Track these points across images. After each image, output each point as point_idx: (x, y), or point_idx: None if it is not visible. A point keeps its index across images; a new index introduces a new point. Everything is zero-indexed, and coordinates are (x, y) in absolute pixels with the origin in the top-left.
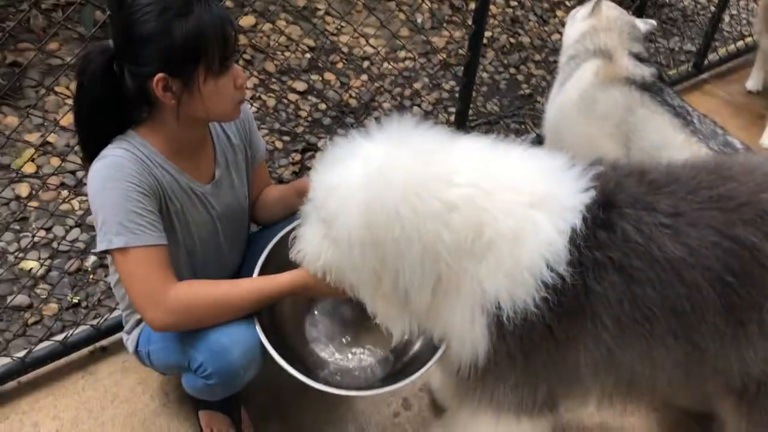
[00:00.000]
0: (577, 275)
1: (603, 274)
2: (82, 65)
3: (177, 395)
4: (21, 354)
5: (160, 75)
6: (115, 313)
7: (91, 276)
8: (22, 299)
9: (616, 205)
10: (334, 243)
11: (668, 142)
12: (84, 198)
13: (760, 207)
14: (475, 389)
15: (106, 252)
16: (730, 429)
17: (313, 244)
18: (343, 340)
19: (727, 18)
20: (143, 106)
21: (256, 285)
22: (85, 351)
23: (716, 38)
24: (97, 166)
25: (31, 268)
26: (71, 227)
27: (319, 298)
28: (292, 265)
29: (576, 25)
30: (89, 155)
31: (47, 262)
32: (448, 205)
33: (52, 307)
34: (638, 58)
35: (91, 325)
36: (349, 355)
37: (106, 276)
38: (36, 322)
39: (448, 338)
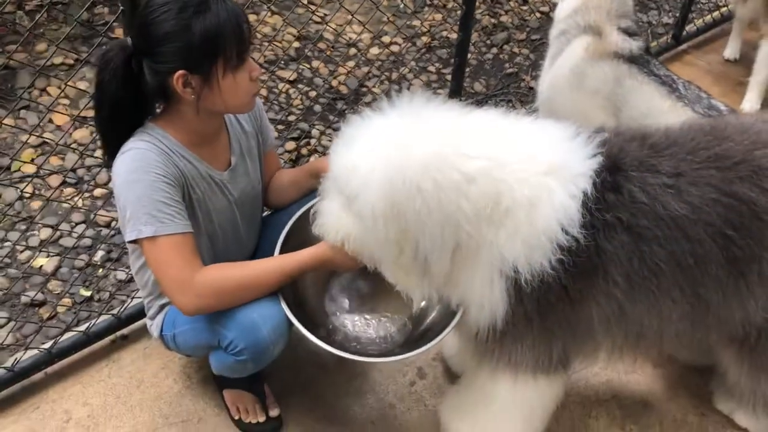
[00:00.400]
0: (589, 236)
1: (613, 234)
2: (101, 63)
3: (200, 377)
4: (47, 345)
5: (180, 72)
6: (135, 302)
7: (101, 270)
8: (36, 296)
9: (621, 169)
10: (357, 217)
11: (655, 109)
12: (87, 194)
13: (755, 164)
14: (494, 351)
15: (134, 241)
16: (732, 377)
17: (334, 218)
18: (362, 311)
19: None
20: (161, 100)
21: (279, 263)
22: (107, 340)
23: (693, 10)
24: (123, 158)
25: (41, 266)
26: (77, 223)
27: (337, 275)
28: (310, 242)
29: (568, 1)
30: (111, 151)
31: (57, 259)
32: (466, 177)
33: (66, 301)
34: (627, 32)
35: (112, 314)
36: (368, 326)
37: (115, 270)
38: (51, 317)
39: (467, 303)
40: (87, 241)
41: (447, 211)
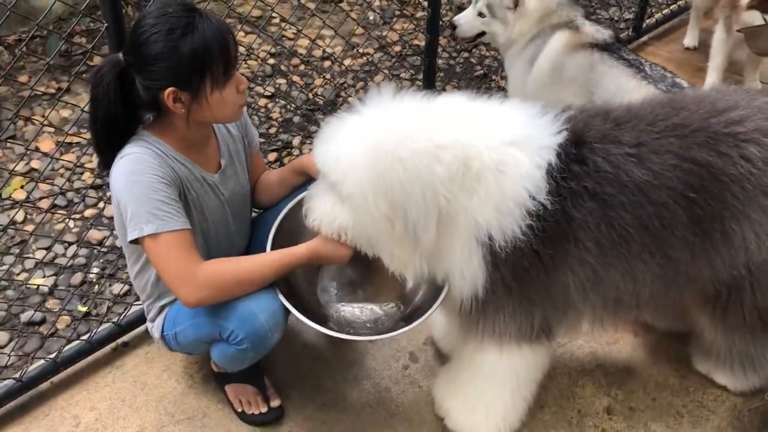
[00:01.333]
0: (556, 203)
1: (580, 201)
2: (95, 78)
3: (201, 376)
4: (52, 355)
5: (170, 89)
6: (134, 309)
7: (96, 286)
8: (35, 315)
9: (586, 142)
10: (348, 201)
11: (623, 88)
12: (77, 216)
13: (711, 131)
14: (478, 322)
15: (135, 242)
16: (708, 337)
17: (328, 212)
18: (352, 299)
19: None
20: (153, 111)
21: (275, 257)
22: (108, 348)
23: (652, 4)
24: (121, 163)
25: (38, 286)
26: (70, 243)
27: (326, 266)
28: (300, 235)
29: (530, 13)
30: (106, 160)
31: (52, 279)
32: (437, 144)
33: (65, 319)
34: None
35: (113, 322)
36: (360, 311)
37: (110, 286)
38: (51, 335)
39: (450, 275)
40: (81, 260)
41: (425, 178)
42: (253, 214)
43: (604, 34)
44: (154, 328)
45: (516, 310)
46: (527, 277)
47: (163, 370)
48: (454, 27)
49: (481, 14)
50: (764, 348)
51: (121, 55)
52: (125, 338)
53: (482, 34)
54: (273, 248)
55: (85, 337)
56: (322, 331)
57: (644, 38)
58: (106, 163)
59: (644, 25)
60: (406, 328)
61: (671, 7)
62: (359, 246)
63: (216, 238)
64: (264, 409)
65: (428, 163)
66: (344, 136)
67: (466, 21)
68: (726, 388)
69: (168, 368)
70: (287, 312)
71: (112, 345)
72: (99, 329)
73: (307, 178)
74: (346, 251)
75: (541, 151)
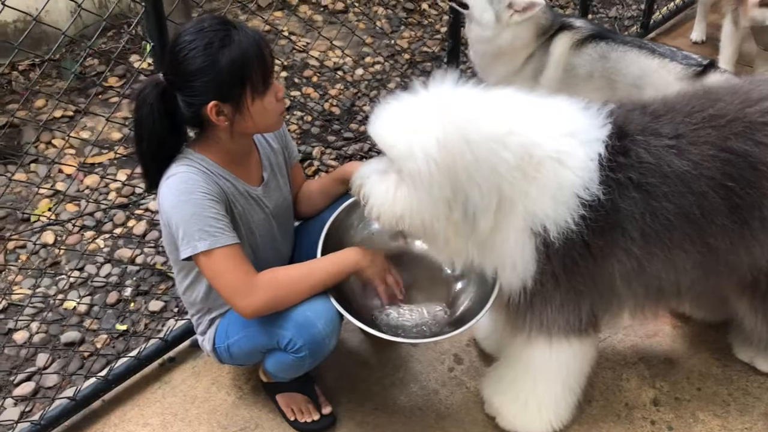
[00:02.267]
0: (606, 194)
1: (626, 192)
2: (138, 100)
3: (250, 387)
4: (103, 372)
5: (213, 102)
6: (179, 324)
7: (132, 304)
8: (73, 336)
9: (628, 134)
10: (411, 180)
11: (646, 68)
12: (107, 235)
13: (747, 120)
14: (525, 316)
15: (188, 259)
16: (748, 325)
17: (386, 195)
18: (400, 303)
19: None
20: (196, 127)
21: (326, 263)
22: (155, 364)
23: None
24: (168, 183)
25: (74, 307)
26: (102, 263)
27: None
28: (347, 243)
29: (522, 27)
30: (152, 180)
31: (88, 299)
32: (505, 130)
33: (103, 338)
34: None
35: (159, 338)
36: (409, 315)
37: (145, 303)
38: (91, 354)
39: (501, 267)
40: (114, 279)
41: (492, 163)
42: (295, 224)
43: (583, 23)
44: (205, 341)
45: (564, 303)
46: (576, 269)
47: (211, 383)
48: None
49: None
50: None
51: (161, 74)
52: (171, 353)
53: (465, 6)
54: (323, 254)
55: (133, 354)
56: (378, 335)
57: (652, 34)
58: (153, 182)
59: (651, 21)
60: (461, 329)
61: (676, 2)
62: (414, 232)
63: (263, 249)
64: (316, 417)
65: (497, 148)
66: (410, 114)
67: (480, 6)
68: None
69: (216, 381)
70: (341, 317)
71: (159, 361)
72: (148, 345)
73: (349, 186)
74: (381, 267)
75: (592, 143)
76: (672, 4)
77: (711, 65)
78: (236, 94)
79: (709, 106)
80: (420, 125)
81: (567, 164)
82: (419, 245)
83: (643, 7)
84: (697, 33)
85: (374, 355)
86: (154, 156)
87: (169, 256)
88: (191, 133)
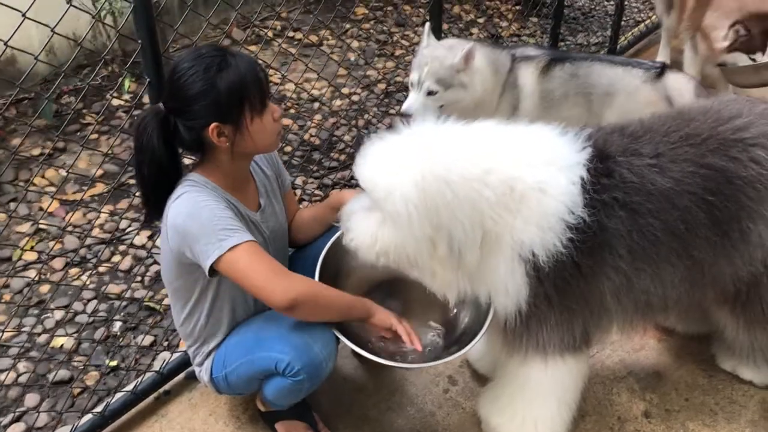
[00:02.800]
0: (592, 215)
1: (612, 212)
2: (139, 128)
3: (248, 417)
4: (99, 408)
5: (213, 124)
6: (175, 356)
7: (121, 340)
8: (62, 374)
9: (610, 156)
10: (392, 220)
11: (614, 78)
12: (91, 271)
13: (720, 137)
14: (522, 336)
15: (213, 273)
16: (730, 335)
17: (368, 230)
18: None
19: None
20: (197, 152)
21: (349, 299)
22: (151, 398)
23: (621, 25)
24: (178, 202)
25: (62, 344)
26: (88, 300)
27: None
28: (344, 269)
29: (482, 69)
30: (152, 210)
31: (76, 335)
32: (484, 169)
33: (93, 375)
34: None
35: (155, 371)
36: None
37: (135, 338)
38: (81, 392)
39: (494, 292)
40: (102, 315)
41: (473, 201)
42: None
43: (545, 50)
44: (202, 371)
45: (558, 322)
46: (568, 289)
47: (209, 414)
48: (408, 115)
49: (431, 92)
50: None
51: (161, 104)
52: (167, 387)
53: (432, 93)
54: (321, 279)
55: (129, 388)
56: (375, 360)
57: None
58: (154, 209)
59: (619, 46)
60: (458, 354)
61: (640, 28)
62: (400, 266)
63: None
64: None
65: (477, 187)
66: (391, 155)
67: (420, 104)
68: (752, 382)
69: (213, 412)
70: (338, 341)
71: (155, 394)
72: (143, 378)
73: (323, 229)
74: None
75: (573, 167)
76: (636, 30)
77: (665, 66)
78: (236, 114)
79: (684, 126)
80: (399, 167)
81: (549, 192)
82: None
83: (607, 33)
84: (662, 57)
85: (370, 380)
86: (155, 183)
87: (167, 286)
88: (188, 160)
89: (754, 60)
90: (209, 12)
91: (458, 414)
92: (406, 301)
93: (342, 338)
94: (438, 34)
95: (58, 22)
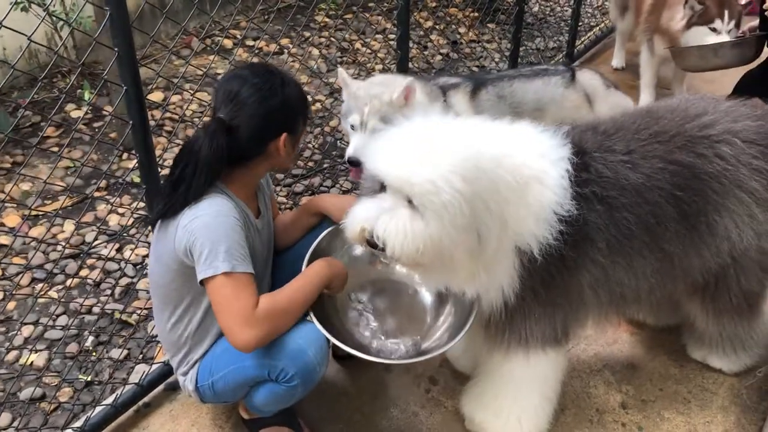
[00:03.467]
0: (578, 208)
1: (592, 205)
2: (206, 136)
3: (231, 426)
4: (79, 423)
5: (284, 135)
6: (154, 368)
7: (94, 354)
8: (34, 391)
9: (587, 152)
10: (434, 214)
11: (538, 90)
12: (60, 286)
13: (687, 135)
14: (504, 332)
15: (201, 283)
16: (700, 325)
17: (402, 230)
18: (380, 329)
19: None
20: (243, 161)
21: (302, 281)
22: (131, 411)
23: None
24: (202, 204)
25: (32, 362)
26: (57, 316)
27: (354, 297)
28: None
29: (426, 102)
30: (167, 210)
31: (46, 353)
32: (503, 152)
33: (67, 391)
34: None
35: (135, 383)
36: (388, 342)
37: (107, 352)
38: (55, 409)
39: (493, 286)
40: (73, 330)
41: (498, 186)
42: None
43: (463, 74)
44: (187, 380)
45: (541, 315)
46: (553, 282)
47: (191, 425)
48: (357, 163)
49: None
50: (750, 328)
51: (220, 116)
52: (146, 399)
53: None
54: None
55: (109, 401)
56: (364, 357)
57: (576, 63)
58: (167, 211)
59: (576, 51)
60: (444, 348)
61: (595, 32)
62: (429, 262)
63: (259, 279)
64: None
65: (500, 172)
66: (416, 149)
67: (366, 144)
68: (721, 370)
69: (196, 422)
70: (329, 343)
71: (134, 407)
72: (123, 391)
73: (321, 218)
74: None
75: (560, 161)
76: (591, 34)
77: (571, 66)
78: (299, 125)
79: (653, 124)
80: (432, 158)
81: (546, 183)
82: (399, 270)
83: (562, 38)
84: (618, 60)
85: (352, 385)
86: (193, 185)
87: (156, 290)
88: None
89: (713, 29)
90: (170, 21)
91: (441, 413)
92: (389, 304)
93: (332, 339)
94: (405, 42)
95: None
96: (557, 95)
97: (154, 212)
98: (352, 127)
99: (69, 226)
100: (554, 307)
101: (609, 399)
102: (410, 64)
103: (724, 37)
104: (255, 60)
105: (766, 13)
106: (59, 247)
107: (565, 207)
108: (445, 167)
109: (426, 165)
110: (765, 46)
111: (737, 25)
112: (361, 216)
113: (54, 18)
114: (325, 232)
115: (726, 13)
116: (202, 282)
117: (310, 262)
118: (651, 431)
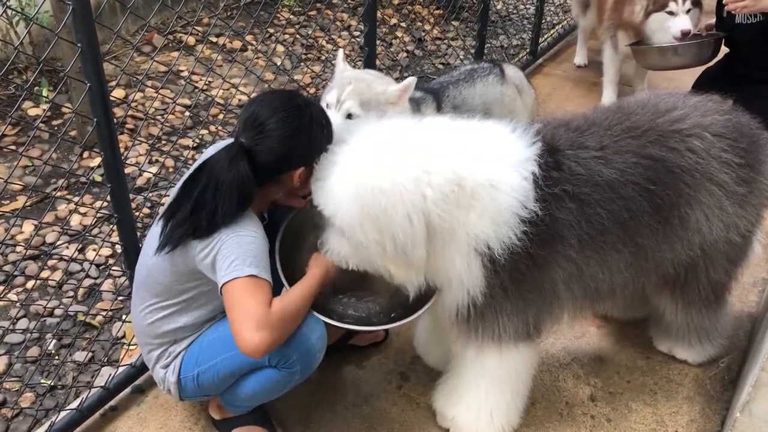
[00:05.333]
0: (544, 208)
1: (562, 203)
2: (227, 161)
3: (200, 428)
4: (43, 429)
5: (302, 168)
6: (120, 370)
7: (56, 358)
8: None
9: (559, 150)
10: (341, 233)
11: (482, 94)
12: (19, 289)
13: (659, 129)
14: (477, 327)
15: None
16: (668, 317)
17: (335, 245)
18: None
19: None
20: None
21: (306, 285)
22: (97, 415)
23: (542, 27)
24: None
25: None
26: (17, 319)
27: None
28: (303, 244)
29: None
30: (196, 228)
31: (6, 357)
32: (424, 170)
33: (29, 396)
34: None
35: (101, 387)
36: (356, 307)
37: (70, 356)
38: (16, 415)
39: (450, 283)
40: (35, 334)
41: (411, 203)
42: None
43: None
44: (168, 373)
45: (513, 311)
46: (523, 279)
47: (159, 427)
48: None
49: (350, 115)
50: (716, 319)
51: (243, 140)
52: (112, 402)
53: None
54: (281, 255)
55: (74, 405)
56: (347, 328)
57: (540, 60)
58: (190, 236)
59: (539, 48)
60: (414, 316)
61: (557, 29)
62: (362, 269)
63: None
64: None
65: (414, 189)
66: (333, 172)
67: (337, 127)
68: (686, 361)
69: (165, 425)
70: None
71: (101, 411)
72: (89, 395)
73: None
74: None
75: (524, 162)
76: (554, 31)
77: (497, 62)
78: (316, 159)
79: (625, 119)
80: (337, 184)
81: (501, 188)
82: None
83: (525, 36)
84: (580, 57)
85: (324, 382)
86: (219, 210)
87: (150, 285)
88: None
89: (671, 13)
90: (132, 17)
91: (413, 409)
92: (369, 287)
93: (331, 321)
94: (372, 39)
95: None
96: (497, 94)
97: (173, 238)
98: (328, 105)
99: (28, 226)
100: (526, 302)
101: (578, 392)
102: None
103: (684, 18)
104: (218, 58)
105: (725, 11)
106: (19, 249)
107: (529, 208)
108: (343, 192)
109: (330, 191)
110: (722, 46)
111: (695, 3)
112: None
113: (10, 12)
114: (289, 216)
115: None
116: (223, 285)
117: (281, 243)
118: (619, 423)
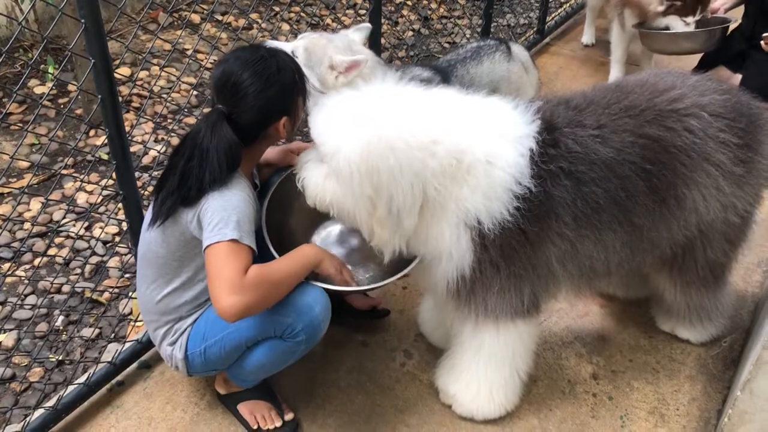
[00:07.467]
0: (539, 185)
1: (558, 181)
2: (207, 127)
3: (205, 403)
4: (51, 403)
5: (284, 119)
6: (127, 346)
7: (64, 334)
8: (3, 372)
9: (557, 127)
10: (336, 176)
11: (489, 72)
12: (27, 266)
13: (656, 109)
14: (469, 302)
15: (209, 246)
16: (668, 297)
17: (315, 182)
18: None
19: None
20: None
21: (294, 260)
22: (104, 390)
23: (549, 6)
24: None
25: (0, 342)
26: (26, 295)
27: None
28: (290, 208)
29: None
30: (184, 197)
31: (15, 332)
32: (432, 139)
33: (38, 371)
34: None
35: (108, 362)
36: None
37: (77, 332)
38: (25, 389)
39: (438, 255)
40: (43, 310)
41: (416, 169)
42: None
43: (426, 65)
44: (175, 350)
45: (504, 287)
46: (515, 255)
47: (165, 402)
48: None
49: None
50: (716, 299)
51: (219, 107)
52: (119, 377)
53: None
54: (267, 221)
55: (82, 380)
56: (341, 290)
57: (547, 39)
58: (180, 206)
59: (546, 27)
60: (393, 278)
61: (565, 8)
62: (341, 218)
63: None
64: (279, 424)
65: (421, 156)
66: (343, 112)
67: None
68: (689, 341)
69: (170, 400)
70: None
71: (107, 386)
72: (96, 370)
73: (274, 170)
74: (335, 267)
75: (523, 139)
76: (561, 10)
77: (503, 39)
78: (297, 106)
79: (623, 98)
80: (349, 127)
81: (497, 164)
82: None
83: (532, 15)
84: (588, 36)
85: (327, 359)
86: (207, 177)
87: (155, 259)
88: None
89: (686, 22)
90: None
91: (416, 386)
92: (350, 230)
93: (325, 285)
94: (378, 16)
95: None
96: (504, 71)
97: (163, 209)
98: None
99: (35, 204)
100: (519, 278)
101: (580, 370)
102: (381, 40)
103: (691, 28)
104: (224, 36)
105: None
106: (26, 226)
107: (523, 185)
108: (353, 139)
109: (339, 132)
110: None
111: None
112: (302, 158)
113: None
114: (278, 179)
115: (699, 9)
116: (205, 249)
117: (268, 209)
118: (621, 401)
